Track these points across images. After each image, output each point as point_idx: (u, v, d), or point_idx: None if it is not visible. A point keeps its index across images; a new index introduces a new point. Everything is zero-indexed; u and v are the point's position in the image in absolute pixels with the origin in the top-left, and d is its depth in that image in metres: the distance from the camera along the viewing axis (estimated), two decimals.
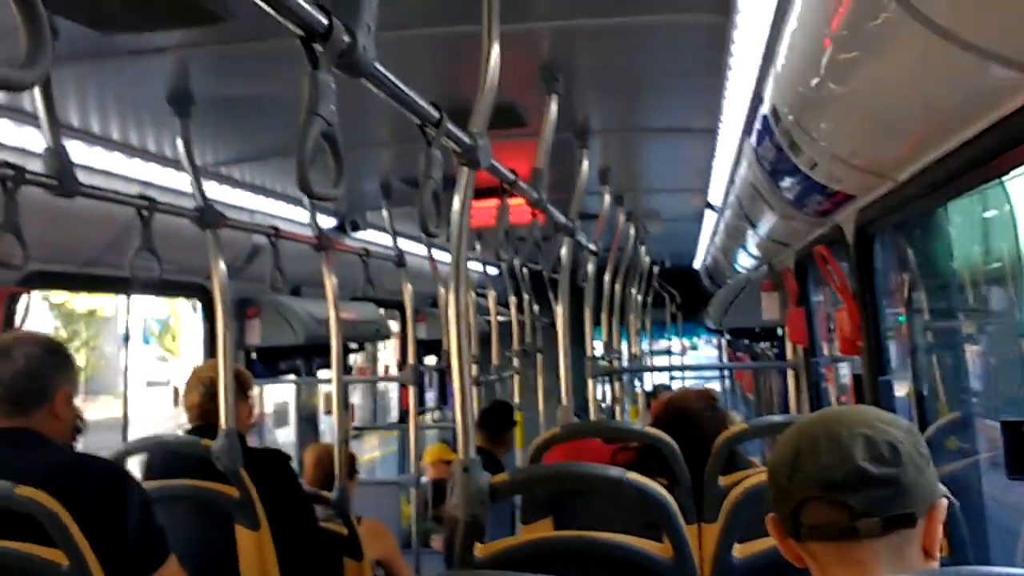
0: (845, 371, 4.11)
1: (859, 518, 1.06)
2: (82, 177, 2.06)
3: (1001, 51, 1.28)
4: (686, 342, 10.71)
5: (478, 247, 4.99)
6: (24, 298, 2.79)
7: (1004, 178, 2.03)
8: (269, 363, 4.48)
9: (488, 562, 1.75)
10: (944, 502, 1.12)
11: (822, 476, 1.08)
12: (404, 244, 4.20)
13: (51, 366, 2.00)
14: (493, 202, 2.38)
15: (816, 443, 1.10)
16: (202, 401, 2.72)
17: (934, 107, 1.68)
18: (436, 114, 1.50)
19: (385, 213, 3.98)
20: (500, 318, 5.83)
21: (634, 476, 1.84)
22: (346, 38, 1.09)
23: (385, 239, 4.28)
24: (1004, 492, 2.80)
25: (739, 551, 1.85)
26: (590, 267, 3.86)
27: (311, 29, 1.05)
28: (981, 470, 2.83)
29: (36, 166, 1.98)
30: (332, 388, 3.36)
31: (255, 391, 2.91)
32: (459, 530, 1.70)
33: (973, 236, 3.12)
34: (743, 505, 1.89)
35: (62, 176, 1.96)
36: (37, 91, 1.92)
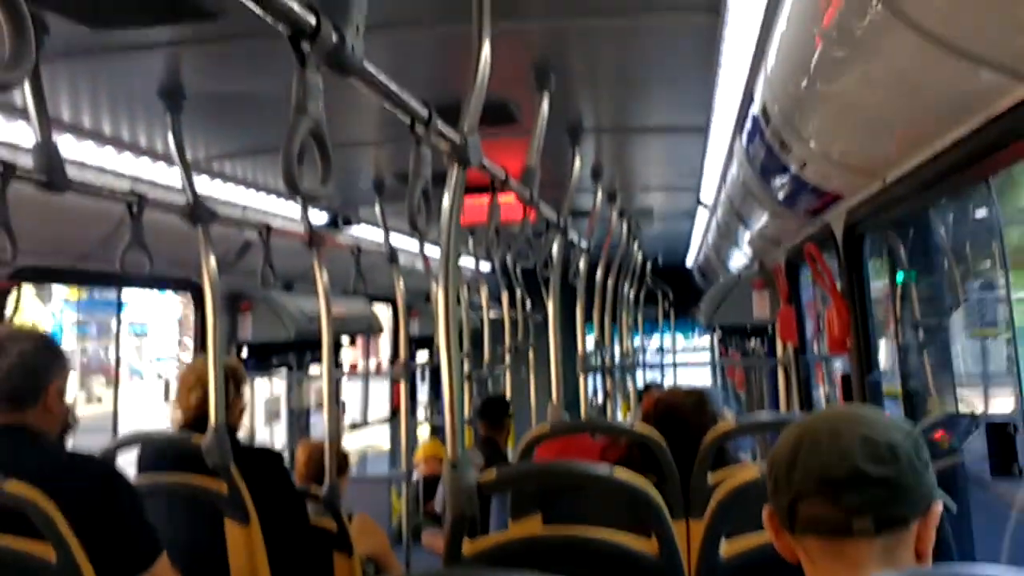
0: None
1: (854, 516, 1.07)
2: (73, 172, 2.05)
3: (988, 55, 1.28)
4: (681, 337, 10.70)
5: (471, 243, 4.99)
6: (14, 293, 2.78)
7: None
8: (261, 358, 4.48)
9: (476, 559, 1.76)
10: (940, 505, 1.12)
11: (821, 473, 1.09)
12: (396, 240, 4.20)
13: (44, 361, 2.00)
14: (484, 199, 2.38)
15: (817, 440, 1.12)
16: (201, 401, 2.68)
17: (923, 108, 1.69)
18: (426, 112, 1.50)
19: (377, 209, 3.98)
20: (492, 315, 5.84)
21: (622, 473, 1.85)
22: (334, 37, 1.08)
23: (377, 235, 4.27)
24: None
25: (726, 548, 1.85)
26: (582, 264, 3.87)
27: (299, 27, 1.05)
28: (967, 467, 2.84)
29: (26, 161, 1.98)
30: (323, 384, 3.37)
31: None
32: (446, 527, 1.71)
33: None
34: (730, 502, 1.89)
35: (51, 172, 1.95)
36: (27, 86, 1.91)
